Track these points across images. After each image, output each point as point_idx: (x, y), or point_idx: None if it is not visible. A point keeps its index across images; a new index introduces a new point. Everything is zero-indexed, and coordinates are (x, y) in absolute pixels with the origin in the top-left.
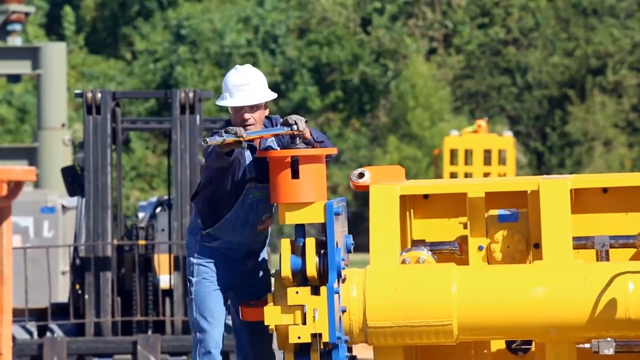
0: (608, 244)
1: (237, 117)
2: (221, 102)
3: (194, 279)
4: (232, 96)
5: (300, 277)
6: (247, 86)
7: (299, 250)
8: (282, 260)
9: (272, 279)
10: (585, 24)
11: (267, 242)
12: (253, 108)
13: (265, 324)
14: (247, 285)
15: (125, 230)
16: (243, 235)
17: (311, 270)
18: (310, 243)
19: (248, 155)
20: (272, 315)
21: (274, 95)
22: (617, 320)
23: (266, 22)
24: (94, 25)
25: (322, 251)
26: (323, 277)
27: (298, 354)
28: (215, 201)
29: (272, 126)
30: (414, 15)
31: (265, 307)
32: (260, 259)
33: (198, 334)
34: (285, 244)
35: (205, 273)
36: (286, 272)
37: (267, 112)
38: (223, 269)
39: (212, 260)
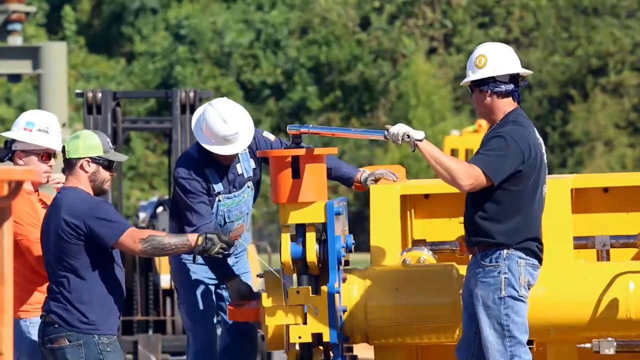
0: (609, 244)
1: (225, 156)
2: (214, 149)
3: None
4: (222, 144)
5: (300, 265)
6: (237, 134)
7: (299, 242)
8: (282, 248)
9: (261, 279)
10: (586, 24)
11: (245, 244)
12: None
13: (266, 324)
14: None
15: None
16: None
17: (311, 256)
18: (311, 230)
19: (211, 173)
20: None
21: (253, 127)
22: (618, 320)
23: (268, 25)
24: (94, 25)
25: (322, 238)
26: (323, 264)
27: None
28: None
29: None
30: (413, 15)
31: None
32: (237, 261)
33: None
34: (285, 235)
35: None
36: (286, 257)
37: None
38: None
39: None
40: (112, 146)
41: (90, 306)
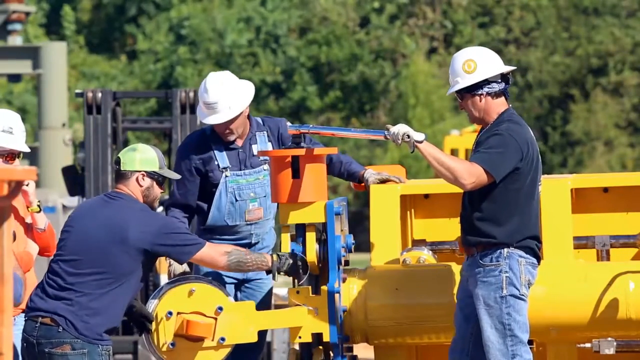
0: (609, 244)
1: (218, 127)
2: (202, 118)
3: None
4: (207, 114)
5: None
6: (216, 104)
7: (299, 242)
8: (282, 248)
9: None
10: (586, 23)
11: (270, 244)
12: (228, 121)
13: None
14: (248, 294)
15: None
16: (234, 229)
17: (311, 256)
18: (311, 230)
19: (218, 149)
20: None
21: (246, 104)
22: (617, 319)
23: (268, 22)
24: (94, 25)
25: (322, 238)
26: (323, 264)
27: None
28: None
29: (257, 125)
30: (414, 14)
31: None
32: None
33: None
34: (285, 235)
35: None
36: None
37: (247, 112)
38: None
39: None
40: (165, 163)
41: (102, 317)
